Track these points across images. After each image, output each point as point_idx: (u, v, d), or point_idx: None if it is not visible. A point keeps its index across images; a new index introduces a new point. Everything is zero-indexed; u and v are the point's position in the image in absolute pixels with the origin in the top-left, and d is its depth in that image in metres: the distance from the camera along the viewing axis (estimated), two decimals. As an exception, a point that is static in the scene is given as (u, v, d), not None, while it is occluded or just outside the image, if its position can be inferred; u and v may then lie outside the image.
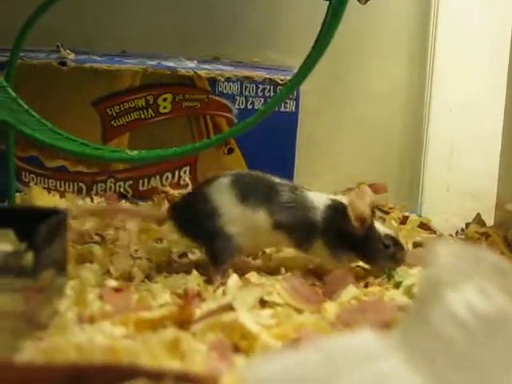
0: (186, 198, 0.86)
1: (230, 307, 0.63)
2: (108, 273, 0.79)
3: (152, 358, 0.52)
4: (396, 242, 0.83)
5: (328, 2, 0.83)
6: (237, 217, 0.79)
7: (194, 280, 0.76)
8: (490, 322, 0.39)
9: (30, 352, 0.52)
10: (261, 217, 0.80)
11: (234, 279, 0.73)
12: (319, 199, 0.83)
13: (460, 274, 0.40)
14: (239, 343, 0.58)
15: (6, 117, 0.82)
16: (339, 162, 1.34)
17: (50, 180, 1.13)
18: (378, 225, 0.84)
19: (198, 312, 0.63)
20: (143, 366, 0.46)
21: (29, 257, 0.61)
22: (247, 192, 0.80)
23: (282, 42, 1.30)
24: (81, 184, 1.14)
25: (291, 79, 0.91)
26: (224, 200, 0.80)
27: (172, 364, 0.52)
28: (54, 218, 0.64)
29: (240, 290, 0.71)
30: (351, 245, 0.83)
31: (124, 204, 1.10)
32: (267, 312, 0.66)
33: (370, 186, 1.00)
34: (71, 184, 1.14)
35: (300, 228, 0.82)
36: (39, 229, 0.59)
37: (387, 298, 0.72)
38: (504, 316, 0.39)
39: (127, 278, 0.79)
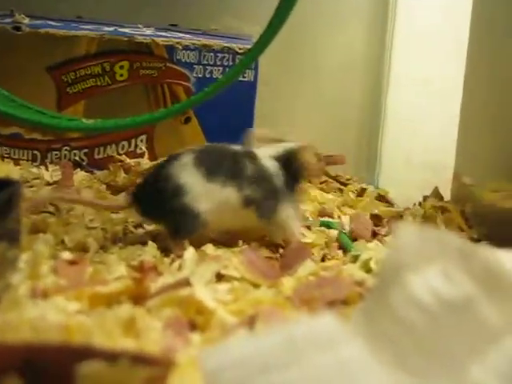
0: (148, 180, 0.81)
1: (186, 282, 0.62)
2: (62, 243, 0.78)
3: (107, 336, 0.51)
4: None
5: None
6: (203, 194, 0.77)
7: (149, 251, 0.75)
8: (454, 307, 0.39)
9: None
10: (229, 193, 0.79)
11: (190, 252, 0.72)
12: (269, 163, 0.83)
13: (422, 258, 0.40)
14: (195, 319, 0.58)
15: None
16: (297, 131, 1.33)
17: (4, 147, 1.11)
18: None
19: (153, 287, 0.62)
20: (98, 347, 0.45)
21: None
22: (212, 168, 0.78)
23: (241, 8, 1.29)
24: (35, 152, 1.12)
25: (252, 47, 0.90)
26: (189, 178, 0.77)
27: (127, 342, 0.51)
28: (9, 189, 0.62)
29: (196, 264, 0.70)
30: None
31: (81, 194, 1.05)
32: (224, 286, 0.65)
33: (328, 156, 1.00)
34: (26, 152, 1.12)
35: (267, 198, 0.81)
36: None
37: (344, 272, 0.72)
38: (468, 301, 0.39)
39: (82, 248, 0.77)
